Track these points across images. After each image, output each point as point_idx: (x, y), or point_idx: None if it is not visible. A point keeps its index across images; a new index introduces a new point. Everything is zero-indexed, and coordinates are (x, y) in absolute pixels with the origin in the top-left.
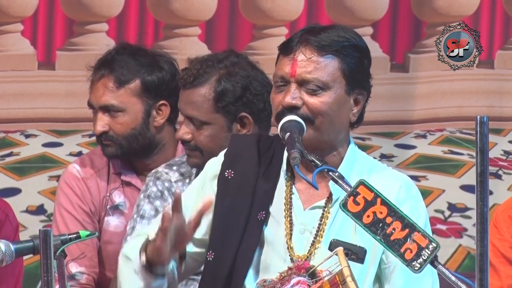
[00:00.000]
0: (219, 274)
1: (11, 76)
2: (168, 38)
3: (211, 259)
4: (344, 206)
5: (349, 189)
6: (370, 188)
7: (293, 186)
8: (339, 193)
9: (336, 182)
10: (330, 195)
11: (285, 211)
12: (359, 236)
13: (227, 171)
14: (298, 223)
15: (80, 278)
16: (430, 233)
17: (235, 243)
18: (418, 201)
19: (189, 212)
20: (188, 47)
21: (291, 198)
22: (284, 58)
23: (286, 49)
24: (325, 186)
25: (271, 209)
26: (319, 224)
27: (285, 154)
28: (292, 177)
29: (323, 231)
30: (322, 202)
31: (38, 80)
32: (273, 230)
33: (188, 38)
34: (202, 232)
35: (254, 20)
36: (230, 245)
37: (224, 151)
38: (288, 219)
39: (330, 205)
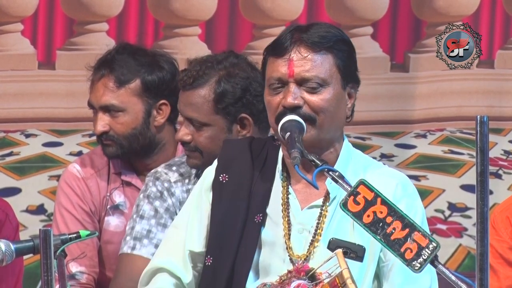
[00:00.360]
0: (219, 278)
1: (11, 75)
2: (168, 38)
3: (209, 264)
4: (344, 205)
5: (349, 189)
6: (370, 188)
7: (289, 186)
8: (336, 192)
9: (336, 182)
10: (327, 193)
11: (282, 211)
12: (357, 234)
13: (221, 175)
14: (296, 223)
15: (80, 278)
16: (428, 231)
17: (234, 247)
18: (414, 199)
19: (186, 225)
20: (188, 47)
21: (288, 198)
22: (277, 60)
23: (278, 50)
24: (322, 184)
25: (268, 210)
26: (317, 223)
27: (280, 154)
28: (288, 177)
29: (322, 230)
30: (319, 201)
31: (38, 79)
32: (271, 232)
33: (188, 38)
34: (202, 244)
35: (254, 20)
36: (229, 249)
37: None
38: (286, 219)
39: (327, 204)
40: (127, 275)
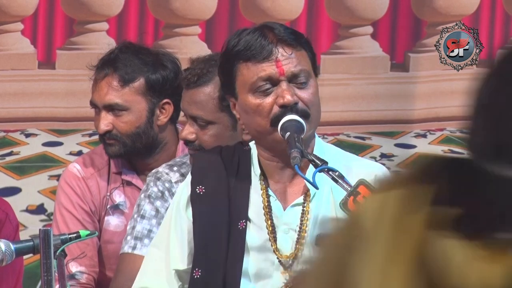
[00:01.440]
0: None
1: (11, 75)
2: (168, 37)
3: (198, 276)
4: (344, 205)
5: (349, 189)
6: (370, 188)
7: (268, 188)
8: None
9: (336, 182)
10: (307, 190)
11: (264, 214)
12: None
13: (198, 187)
14: (281, 224)
15: (80, 278)
16: None
17: (222, 256)
18: None
19: (167, 245)
20: (188, 46)
21: (269, 201)
22: (260, 64)
23: (258, 54)
24: (301, 182)
25: (250, 215)
26: (301, 221)
27: (254, 158)
28: (265, 179)
29: (306, 227)
30: (300, 199)
31: (38, 79)
32: (257, 236)
33: (188, 37)
34: (186, 262)
35: (254, 19)
36: (217, 259)
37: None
38: (269, 222)
39: (309, 200)
40: (127, 275)
